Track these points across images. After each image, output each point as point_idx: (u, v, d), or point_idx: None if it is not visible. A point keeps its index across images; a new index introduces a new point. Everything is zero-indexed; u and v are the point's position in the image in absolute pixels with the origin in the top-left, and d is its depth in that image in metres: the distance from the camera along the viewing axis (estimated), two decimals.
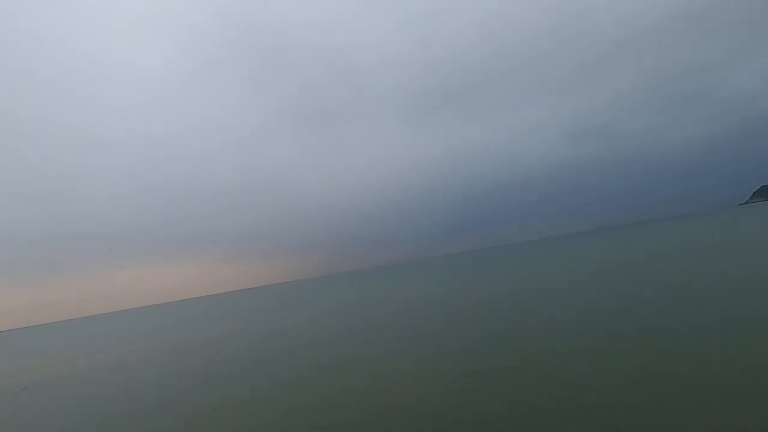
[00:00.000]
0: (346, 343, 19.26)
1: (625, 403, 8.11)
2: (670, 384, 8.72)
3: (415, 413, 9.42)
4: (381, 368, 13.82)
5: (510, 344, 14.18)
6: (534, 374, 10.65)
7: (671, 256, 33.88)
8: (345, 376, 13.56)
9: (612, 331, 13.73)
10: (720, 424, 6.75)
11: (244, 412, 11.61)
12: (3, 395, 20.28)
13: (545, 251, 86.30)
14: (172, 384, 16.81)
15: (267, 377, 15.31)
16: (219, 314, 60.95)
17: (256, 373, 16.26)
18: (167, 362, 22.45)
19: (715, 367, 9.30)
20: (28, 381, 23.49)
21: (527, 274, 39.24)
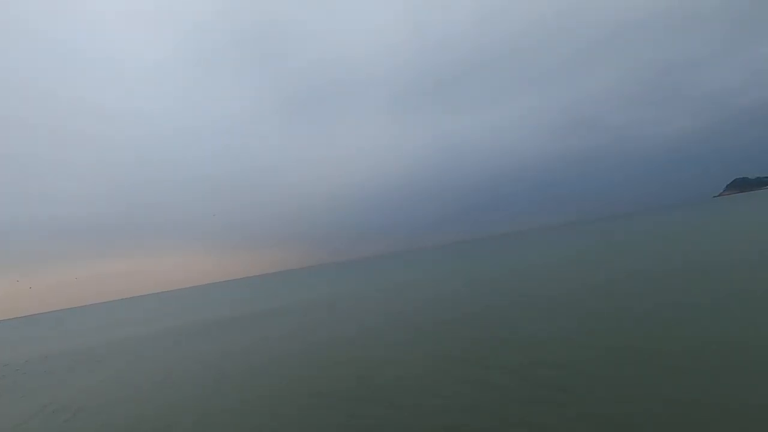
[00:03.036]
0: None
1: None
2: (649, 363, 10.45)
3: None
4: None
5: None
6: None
7: (655, 246, 36.43)
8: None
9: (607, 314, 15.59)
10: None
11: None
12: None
13: (531, 243, 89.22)
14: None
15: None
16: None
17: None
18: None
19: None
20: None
21: (524, 264, 41.35)
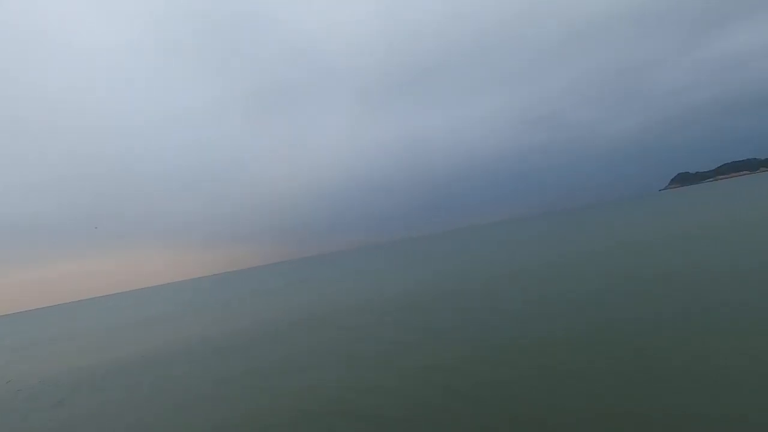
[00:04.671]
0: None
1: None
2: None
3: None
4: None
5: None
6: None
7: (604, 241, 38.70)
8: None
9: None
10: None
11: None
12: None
13: (499, 237, 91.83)
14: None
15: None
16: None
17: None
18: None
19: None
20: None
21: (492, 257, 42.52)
